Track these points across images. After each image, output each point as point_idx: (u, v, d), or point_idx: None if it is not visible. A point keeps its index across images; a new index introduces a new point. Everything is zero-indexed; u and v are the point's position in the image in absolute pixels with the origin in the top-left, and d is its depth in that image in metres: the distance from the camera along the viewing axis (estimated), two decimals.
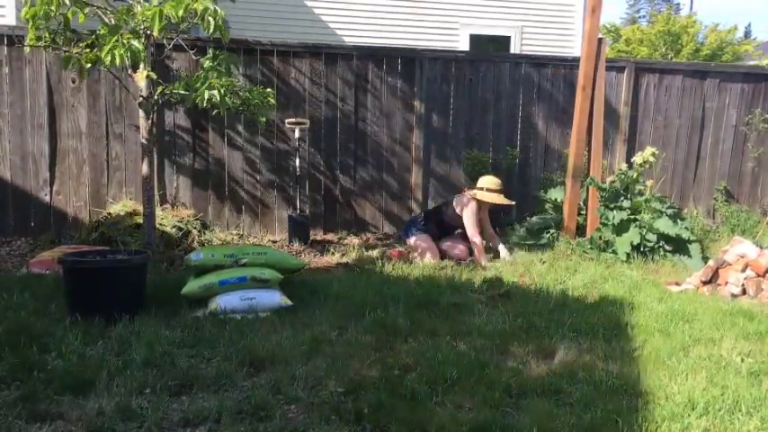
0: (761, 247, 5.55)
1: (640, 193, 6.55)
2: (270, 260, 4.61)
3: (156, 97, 5.17)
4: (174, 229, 5.97)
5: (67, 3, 4.48)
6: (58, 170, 6.34)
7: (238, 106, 5.37)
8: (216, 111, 5.38)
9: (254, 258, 4.57)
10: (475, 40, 11.27)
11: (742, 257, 5.34)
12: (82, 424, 2.77)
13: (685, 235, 6.44)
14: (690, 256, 6.30)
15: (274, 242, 6.60)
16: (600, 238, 6.58)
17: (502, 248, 6.30)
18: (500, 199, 6.27)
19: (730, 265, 5.39)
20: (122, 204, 6.31)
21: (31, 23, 4.57)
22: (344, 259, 5.97)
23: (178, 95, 5.16)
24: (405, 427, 2.83)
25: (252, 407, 2.94)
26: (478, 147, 7.28)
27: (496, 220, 7.15)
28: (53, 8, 4.42)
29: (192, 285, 4.35)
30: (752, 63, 17.31)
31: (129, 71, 5.18)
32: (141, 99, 5.13)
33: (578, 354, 3.71)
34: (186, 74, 5.97)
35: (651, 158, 6.50)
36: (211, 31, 4.54)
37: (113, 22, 4.63)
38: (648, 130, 7.66)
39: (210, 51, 5.15)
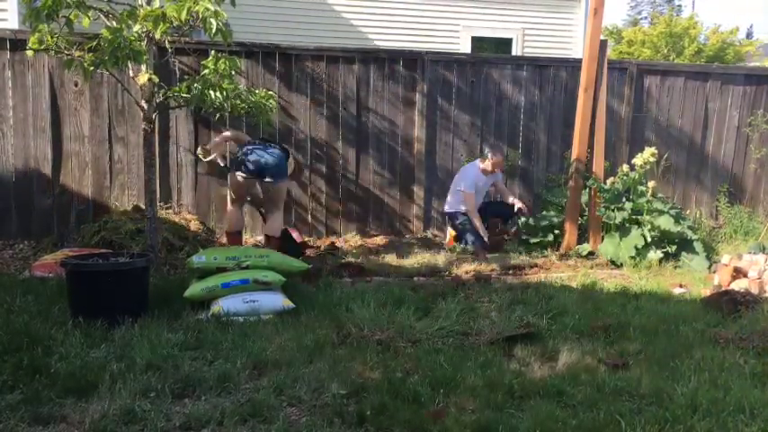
0: (763, 251, 5.56)
1: (642, 195, 6.55)
2: (272, 263, 4.62)
3: (158, 100, 5.18)
4: (176, 232, 5.96)
5: (70, 2, 4.49)
6: (61, 173, 6.34)
7: (240, 109, 5.37)
8: (218, 114, 5.38)
9: (257, 261, 4.57)
10: (476, 42, 11.27)
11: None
12: (84, 427, 2.78)
13: (688, 234, 6.43)
14: (693, 255, 6.29)
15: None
16: (602, 239, 6.58)
17: None
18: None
19: (726, 265, 5.43)
20: (125, 207, 6.32)
21: (33, 24, 4.57)
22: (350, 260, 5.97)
23: (180, 98, 5.17)
24: (407, 429, 2.83)
25: (254, 409, 2.94)
26: (480, 149, 7.28)
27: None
28: (56, 7, 4.43)
29: (195, 288, 4.36)
30: (753, 64, 17.28)
31: (132, 74, 5.19)
32: (143, 102, 5.14)
33: (581, 356, 3.70)
34: (189, 77, 5.97)
35: (651, 158, 6.49)
36: (213, 33, 4.54)
37: (116, 25, 4.64)
38: (651, 131, 7.65)
39: (212, 54, 5.15)
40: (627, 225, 6.43)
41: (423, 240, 6.94)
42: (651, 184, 6.53)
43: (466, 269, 5.79)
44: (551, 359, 3.68)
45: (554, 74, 7.44)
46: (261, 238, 6.68)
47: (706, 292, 5.29)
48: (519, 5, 11.37)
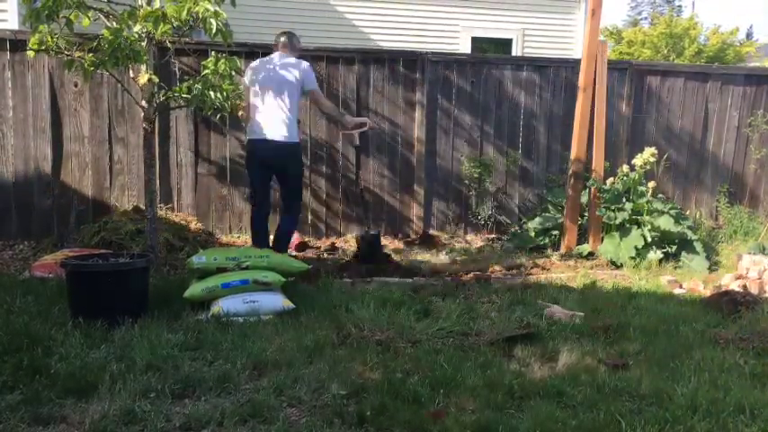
0: (763, 251, 5.56)
1: (642, 195, 6.55)
2: (272, 263, 4.61)
3: (158, 101, 5.18)
4: (176, 233, 5.97)
5: (71, 3, 4.49)
6: (61, 174, 6.34)
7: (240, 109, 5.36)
8: (219, 114, 5.38)
9: (257, 261, 4.57)
10: (476, 42, 11.27)
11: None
12: (84, 427, 2.78)
13: (688, 234, 6.44)
14: (693, 256, 6.29)
15: None
16: (602, 239, 6.58)
17: None
18: None
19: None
20: (125, 208, 6.32)
21: (33, 24, 4.58)
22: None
23: (180, 99, 5.16)
24: (407, 429, 2.83)
25: (254, 410, 2.94)
26: (480, 149, 7.29)
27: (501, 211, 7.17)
28: (56, 8, 4.43)
29: (195, 289, 4.35)
30: (753, 65, 17.28)
31: (132, 75, 5.19)
32: (143, 102, 5.14)
33: (581, 356, 3.70)
34: (189, 77, 5.98)
35: (651, 159, 6.50)
36: (213, 33, 4.55)
37: (116, 25, 4.65)
38: (650, 131, 7.65)
39: (212, 55, 5.16)
40: (627, 225, 6.43)
41: (423, 240, 6.93)
42: (651, 184, 6.54)
43: (467, 269, 5.80)
44: (551, 360, 3.68)
45: (554, 74, 7.44)
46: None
47: (706, 292, 5.29)
48: (519, 6, 11.37)
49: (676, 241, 6.40)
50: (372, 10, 10.79)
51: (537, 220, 6.96)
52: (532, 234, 6.88)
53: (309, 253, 6.32)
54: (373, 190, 7.12)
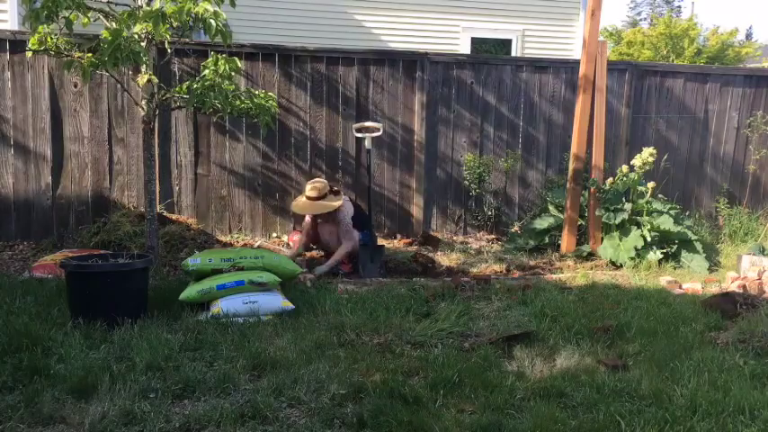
0: (763, 252, 5.56)
1: (641, 195, 6.55)
2: (267, 264, 4.62)
3: (158, 101, 5.18)
4: (175, 233, 5.96)
5: (70, 3, 4.49)
6: (61, 174, 6.34)
7: (239, 110, 5.36)
8: (218, 114, 5.39)
9: (252, 262, 4.58)
10: (476, 43, 11.28)
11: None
12: (84, 428, 2.78)
13: (688, 234, 6.44)
14: (693, 256, 6.29)
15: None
16: (601, 239, 6.58)
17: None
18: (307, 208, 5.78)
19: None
20: (125, 208, 6.32)
21: (33, 25, 4.58)
22: None
23: (180, 99, 5.16)
24: (407, 430, 2.83)
25: (254, 411, 2.94)
26: (480, 149, 7.29)
27: (499, 218, 7.18)
28: (55, 8, 4.43)
29: (191, 291, 4.36)
30: (752, 65, 17.28)
31: (131, 75, 5.19)
32: (143, 103, 5.14)
33: (580, 357, 3.70)
34: (190, 77, 5.98)
35: (650, 159, 6.50)
36: (213, 34, 4.55)
37: (116, 26, 4.65)
38: (650, 132, 7.65)
39: (212, 55, 5.15)
40: (626, 226, 6.43)
41: (423, 241, 6.93)
42: (651, 184, 6.53)
43: (466, 270, 5.80)
44: (551, 360, 3.68)
45: (554, 74, 7.44)
46: (261, 241, 6.70)
47: (706, 293, 5.29)
48: (518, 8, 11.38)
49: (676, 241, 6.40)
50: (374, 10, 10.79)
51: (537, 220, 6.95)
52: (532, 234, 6.87)
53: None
54: (373, 189, 7.11)
